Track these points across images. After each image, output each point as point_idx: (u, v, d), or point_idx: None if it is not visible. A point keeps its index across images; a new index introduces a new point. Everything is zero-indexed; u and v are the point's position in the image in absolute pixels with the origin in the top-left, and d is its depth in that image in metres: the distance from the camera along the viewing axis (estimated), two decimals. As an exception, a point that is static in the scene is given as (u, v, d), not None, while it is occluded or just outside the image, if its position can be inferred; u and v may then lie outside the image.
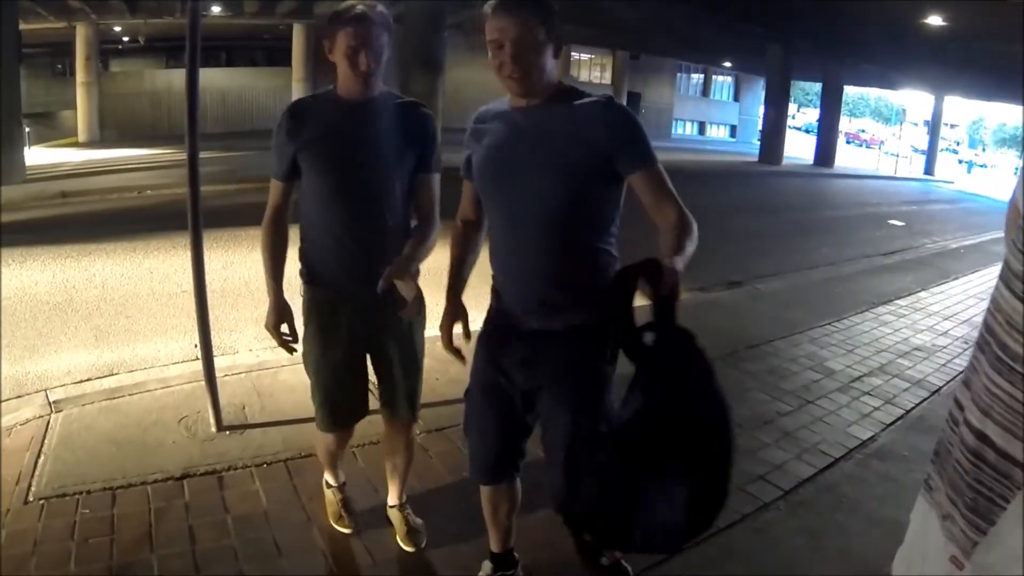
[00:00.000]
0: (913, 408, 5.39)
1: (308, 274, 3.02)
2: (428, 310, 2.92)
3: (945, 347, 6.97)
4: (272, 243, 3.04)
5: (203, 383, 4.33)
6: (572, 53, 44.96)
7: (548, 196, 2.37)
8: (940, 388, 5.82)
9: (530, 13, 2.35)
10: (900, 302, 8.70)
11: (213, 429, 4.23)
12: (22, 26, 17.52)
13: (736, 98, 57.67)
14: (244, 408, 4.55)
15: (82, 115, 31.75)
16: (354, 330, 3.01)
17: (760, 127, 39.87)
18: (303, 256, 3.02)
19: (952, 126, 79.57)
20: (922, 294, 9.28)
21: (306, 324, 3.11)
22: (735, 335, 6.66)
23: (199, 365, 4.46)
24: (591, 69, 48.12)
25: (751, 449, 4.39)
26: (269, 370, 5.11)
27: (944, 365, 6.43)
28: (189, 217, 4.15)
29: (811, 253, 11.77)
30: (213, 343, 4.42)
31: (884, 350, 6.72)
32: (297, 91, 34.82)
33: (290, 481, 3.79)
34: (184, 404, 4.56)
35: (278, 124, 2.89)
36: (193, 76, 4.04)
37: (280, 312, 3.10)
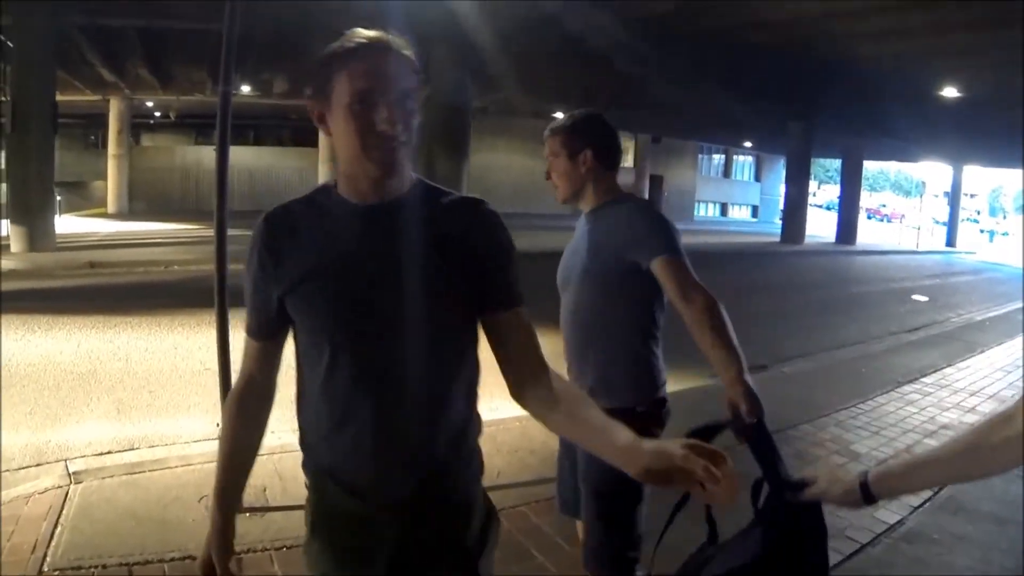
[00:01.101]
0: (941, 489, 5.30)
1: (315, 480, 1.95)
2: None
3: (971, 424, 6.87)
4: (234, 434, 1.98)
5: None
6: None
7: None
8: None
9: None
10: (926, 379, 8.62)
11: (234, 510, 4.25)
12: (58, 97, 18.09)
13: (757, 178, 57.89)
14: (265, 490, 4.59)
15: (112, 186, 32.55)
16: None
17: (781, 206, 40.08)
18: (306, 454, 1.95)
19: (972, 195, 79.60)
20: (948, 370, 9.21)
21: (313, 551, 2.00)
22: None
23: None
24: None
25: None
26: (291, 453, 5.12)
27: (972, 443, 6.32)
28: (216, 294, 4.24)
29: (836, 332, 11.79)
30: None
31: (910, 430, 6.68)
32: (323, 173, 35.56)
33: (309, 567, 3.79)
34: (205, 483, 4.59)
35: (250, 247, 1.77)
36: (224, 156, 4.18)
37: (222, 551, 1.95)
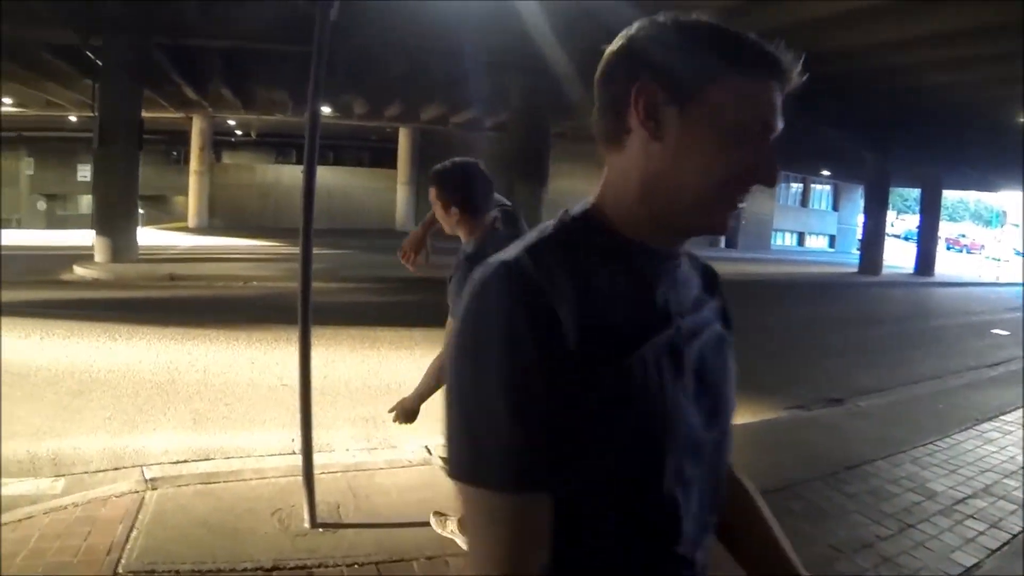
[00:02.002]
0: (1020, 532, 5.11)
1: None
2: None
3: None
4: None
5: (299, 478, 4.42)
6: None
7: None
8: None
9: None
10: (1006, 417, 8.27)
11: (306, 525, 4.29)
12: (144, 114, 18.70)
13: (835, 207, 57.04)
14: (339, 507, 4.61)
15: (193, 202, 33.52)
16: None
17: (859, 236, 39.29)
18: None
19: None
20: None
21: None
22: (835, 455, 6.49)
23: (295, 459, 4.58)
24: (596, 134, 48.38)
25: (848, 575, 4.26)
26: (365, 471, 5.19)
27: (1054, 483, 6.16)
28: (299, 312, 4.28)
29: (914, 366, 11.44)
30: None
31: (989, 470, 6.40)
32: (401, 194, 36.03)
33: (381, 585, 3.80)
34: (278, 497, 4.65)
35: (488, 320, 1.05)
36: (311, 175, 4.22)
37: None
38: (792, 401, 8.57)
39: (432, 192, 3.51)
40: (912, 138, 26.77)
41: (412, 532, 4.35)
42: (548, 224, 1.22)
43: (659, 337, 1.15)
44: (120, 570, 3.66)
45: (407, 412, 3.81)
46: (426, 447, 6.09)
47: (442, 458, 5.54)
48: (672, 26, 1.16)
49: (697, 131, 1.12)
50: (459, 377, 1.06)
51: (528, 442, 1.01)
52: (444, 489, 5.05)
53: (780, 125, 1.18)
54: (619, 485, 1.09)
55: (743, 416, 7.76)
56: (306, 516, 4.32)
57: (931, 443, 7.06)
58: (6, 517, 4.19)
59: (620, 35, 1.22)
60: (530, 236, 1.18)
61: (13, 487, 4.83)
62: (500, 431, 1.01)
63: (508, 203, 3.84)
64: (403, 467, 5.46)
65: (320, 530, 4.27)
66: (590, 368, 1.04)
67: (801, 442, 6.91)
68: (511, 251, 1.11)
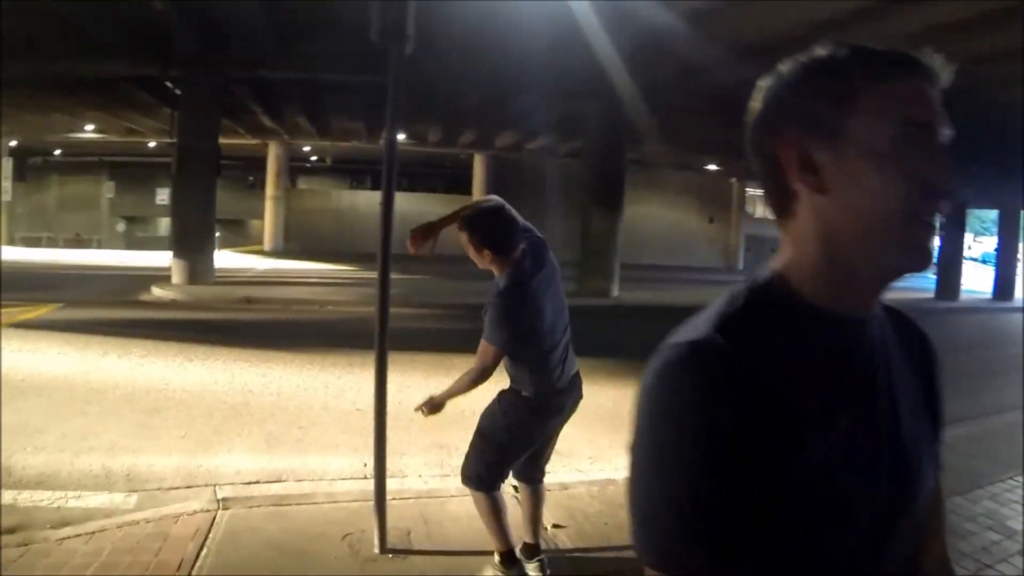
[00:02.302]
0: None
1: None
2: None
3: None
4: None
5: (370, 503, 4.39)
6: (747, 189, 44.94)
7: None
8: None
9: None
10: None
11: (376, 550, 4.25)
12: (221, 141, 19.15)
13: (909, 230, 55.78)
14: (409, 533, 4.56)
15: (269, 225, 34.14)
16: None
17: (935, 260, 38.31)
18: None
19: None
20: None
21: None
22: None
23: (366, 484, 4.57)
24: (766, 205, 47.79)
25: None
26: (437, 499, 5.14)
27: None
28: (376, 336, 4.26)
29: (994, 395, 10.98)
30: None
31: None
32: (475, 220, 36.27)
33: (449, 612, 3.73)
34: (349, 521, 4.62)
35: (679, 412, 0.98)
36: (388, 201, 4.21)
37: None
38: None
39: (463, 237, 3.86)
40: (990, 157, 26.11)
41: (480, 560, 4.28)
42: (736, 295, 1.12)
43: (858, 409, 1.06)
44: (191, 587, 3.67)
45: (433, 406, 3.98)
46: (499, 476, 6.04)
47: (513, 486, 5.49)
48: (793, 69, 1.09)
49: (859, 164, 1.02)
50: (657, 461, 1.00)
51: (734, 521, 0.95)
52: (513, 515, 5.00)
53: (943, 121, 1.09)
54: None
55: None
56: (376, 541, 4.27)
57: (1011, 478, 6.78)
58: (79, 529, 4.24)
59: (750, 103, 1.15)
60: (717, 309, 1.10)
61: (88, 500, 4.91)
62: (708, 513, 0.94)
63: (538, 234, 4.13)
64: (475, 495, 5.40)
65: (390, 556, 4.23)
66: (792, 444, 0.98)
67: None
68: (698, 328, 1.05)
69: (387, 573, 4.04)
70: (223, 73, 18.38)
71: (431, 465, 6.01)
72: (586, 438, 7.52)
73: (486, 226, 3.85)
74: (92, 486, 5.11)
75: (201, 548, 4.08)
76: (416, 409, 4.03)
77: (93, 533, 4.17)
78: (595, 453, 7.07)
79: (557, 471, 6.45)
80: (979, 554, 5.00)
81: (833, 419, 1.01)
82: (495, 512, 4.12)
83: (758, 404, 0.95)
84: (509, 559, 4.12)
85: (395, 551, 4.28)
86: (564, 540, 4.72)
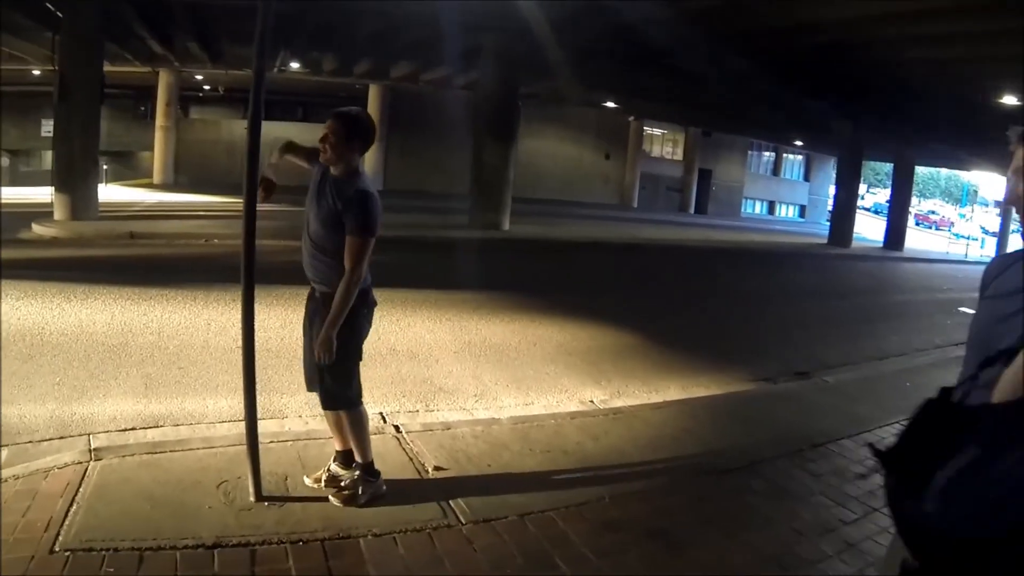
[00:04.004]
0: None
1: None
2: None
3: None
4: None
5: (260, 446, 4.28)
6: (645, 128, 45.41)
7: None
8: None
9: None
10: None
11: (252, 498, 4.15)
12: (108, 68, 18.29)
13: (807, 178, 57.63)
14: (287, 479, 4.47)
15: (159, 158, 32.93)
16: None
17: (830, 208, 39.53)
18: None
19: None
20: None
21: None
22: (800, 431, 6.43)
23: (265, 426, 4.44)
24: (664, 144, 48.53)
25: (811, 560, 4.18)
26: (317, 440, 5.03)
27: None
28: (243, 268, 4.10)
29: (881, 341, 11.47)
30: (261, 406, 4.36)
31: None
32: (371, 150, 35.79)
33: (325, 563, 3.67)
34: (226, 468, 4.50)
35: None
36: (255, 131, 4.03)
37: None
38: (759, 373, 8.56)
39: (332, 129, 4.10)
40: (888, 111, 26.76)
41: (359, 508, 4.23)
42: None
43: None
44: (57, 548, 3.50)
45: (327, 345, 4.03)
46: (381, 414, 5.99)
47: (395, 426, 5.46)
48: None
49: None
50: None
51: None
52: (395, 459, 4.96)
53: None
54: None
55: (710, 388, 7.77)
56: (251, 488, 4.17)
57: (898, 422, 6.82)
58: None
59: None
60: None
61: (-47, 459, 4.65)
62: None
63: None
64: (356, 436, 5.33)
65: (266, 504, 4.13)
66: None
67: (768, 417, 6.86)
68: None
69: (262, 523, 3.94)
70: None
71: (313, 404, 5.86)
72: (471, 374, 7.54)
73: (362, 125, 4.16)
74: (-45, 444, 4.85)
75: (71, 504, 3.90)
76: (318, 361, 4.10)
77: (-44, 495, 3.96)
78: (480, 390, 7.08)
79: (441, 409, 6.46)
80: (866, 498, 5.11)
81: None
82: (367, 423, 4.42)
83: None
84: (374, 469, 4.41)
85: (271, 498, 4.18)
86: (446, 485, 4.66)
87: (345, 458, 4.49)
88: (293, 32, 22.38)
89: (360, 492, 4.28)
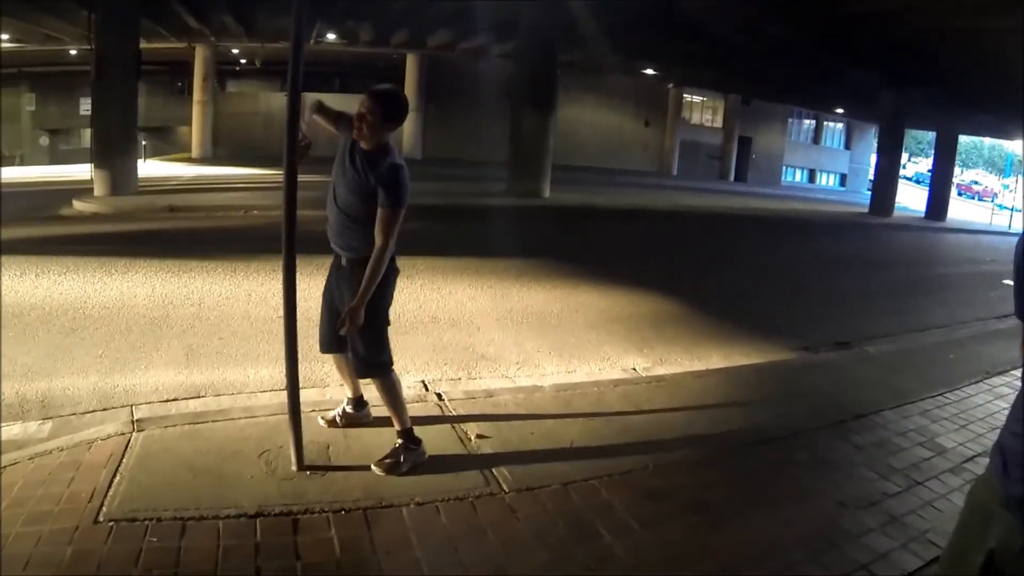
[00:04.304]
0: None
1: None
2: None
3: None
4: None
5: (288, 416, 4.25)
6: (684, 96, 44.88)
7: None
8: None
9: None
10: (1016, 372, 8.01)
11: (294, 467, 4.12)
12: (144, 45, 18.34)
13: (847, 146, 56.58)
14: (328, 448, 4.44)
15: (196, 132, 33.11)
16: None
17: (871, 176, 38.86)
18: None
19: None
20: None
21: None
22: (842, 402, 6.33)
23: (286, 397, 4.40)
24: (703, 112, 47.98)
25: (854, 533, 4.10)
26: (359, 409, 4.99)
27: (1064, 444, 5.96)
28: (284, 240, 4.05)
29: (923, 314, 11.22)
30: (302, 375, 4.32)
31: (999, 427, 6.20)
32: (409, 120, 35.71)
33: (367, 532, 3.64)
34: (267, 437, 4.48)
35: None
36: (295, 103, 3.97)
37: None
38: (800, 342, 8.42)
39: (368, 108, 4.11)
40: (931, 80, 26.16)
41: (400, 477, 4.19)
42: None
43: None
44: (101, 518, 3.50)
45: (355, 316, 4.08)
46: (423, 382, 5.95)
47: (437, 394, 5.42)
48: None
49: None
50: None
51: None
52: (437, 427, 4.92)
53: None
54: None
55: (751, 356, 7.67)
56: (293, 458, 4.15)
57: (940, 395, 6.88)
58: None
59: None
60: None
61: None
62: None
63: None
64: (398, 404, 5.29)
65: (308, 473, 4.11)
66: None
67: (809, 387, 6.75)
68: None
69: (304, 491, 3.91)
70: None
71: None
72: (513, 342, 7.48)
73: (398, 104, 4.21)
74: (6, 416, 4.84)
75: (114, 475, 3.90)
76: (339, 330, 4.16)
77: (4, 468, 3.95)
78: (522, 358, 7.02)
79: (483, 376, 6.41)
80: (910, 470, 5.04)
81: None
82: (400, 389, 4.49)
83: None
84: (414, 436, 4.42)
85: (313, 468, 4.16)
86: (489, 453, 4.62)
87: (357, 404, 4.80)
88: (329, 2, 22.31)
89: (402, 460, 4.26)
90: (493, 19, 22.63)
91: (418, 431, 4.45)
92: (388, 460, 4.25)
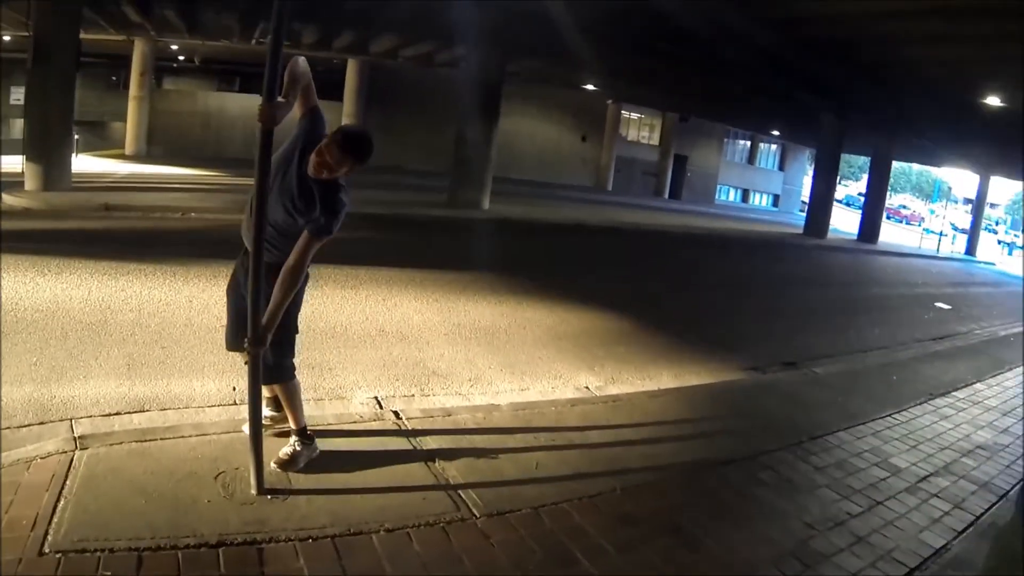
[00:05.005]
0: (983, 514, 5.19)
1: None
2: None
3: (1007, 446, 6.84)
4: None
5: (242, 434, 4.15)
6: (622, 112, 45.16)
7: None
8: (1007, 492, 5.66)
9: None
10: (957, 394, 8.54)
11: (253, 491, 3.89)
12: (82, 35, 17.66)
13: (781, 167, 57.63)
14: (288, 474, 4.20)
15: (131, 128, 32.21)
16: None
17: (807, 198, 39.72)
18: None
19: (993, 205, 78.01)
20: (978, 385, 9.14)
21: None
22: (798, 423, 6.53)
23: (236, 411, 4.46)
24: (640, 128, 48.34)
25: (825, 553, 4.22)
26: (313, 427, 4.74)
27: (1008, 466, 6.28)
28: (252, 246, 3.81)
29: (862, 333, 11.64)
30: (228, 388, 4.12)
31: (947, 447, 6.56)
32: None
33: (339, 561, 3.44)
34: (221, 457, 4.23)
35: None
36: (271, 104, 3.75)
37: None
38: (746, 362, 8.57)
39: (332, 151, 3.96)
40: (872, 106, 26.80)
41: (368, 499, 4.02)
42: None
43: None
44: (47, 548, 3.22)
45: (259, 342, 3.92)
46: (376, 398, 5.77)
47: (394, 412, 5.23)
48: None
49: None
50: None
51: None
52: (395, 446, 4.74)
53: None
54: None
55: (701, 375, 7.78)
56: (253, 481, 3.91)
57: (889, 416, 7.18)
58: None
59: None
60: None
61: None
62: None
63: None
64: (354, 423, 5.09)
65: (268, 497, 3.88)
66: None
67: (763, 408, 6.90)
68: None
69: (267, 518, 3.68)
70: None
71: (304, 388, 5.58)
72: (464, 357, 7.34)
73: (366, 147, 4.06)
74: (-71, 426, 4.52)
75: (58, 499, 3.61)
76: (245, 361, 4.00)
77: (-71, 485, 3.65)
78: (474, 374, 6.91)
79: (437, 393, 6.24)
80: (869, 491, 5.23)
81: None
82: (300, 392, 4.49)
83: None
84: (308, 434, 4.44)
85: (273, 491, 3.94)
86: (455, 475, 4.46)
87: (276, 405, 4.70)
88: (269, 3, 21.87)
89: (300, 457, 4.31)
90: (437, 26, 22.49)
91: (378, 450, 4.45)
92: (284, 458, 4.29)
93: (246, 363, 3.95)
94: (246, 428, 4.07)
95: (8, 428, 4.62)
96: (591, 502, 4.38)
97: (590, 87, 36.21)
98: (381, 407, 5.58)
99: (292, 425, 4.39)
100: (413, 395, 6.14)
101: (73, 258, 9.05)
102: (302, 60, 4.14)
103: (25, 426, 4.68)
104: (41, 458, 4.01)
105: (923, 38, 17.91)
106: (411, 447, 4.80)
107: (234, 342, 4.41)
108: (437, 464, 4.57)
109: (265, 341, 3.90)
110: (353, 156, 3.97)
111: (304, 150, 4.06)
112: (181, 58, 39.43)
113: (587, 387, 6.90)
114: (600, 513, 4.28)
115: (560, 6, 17.35)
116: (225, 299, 4.52)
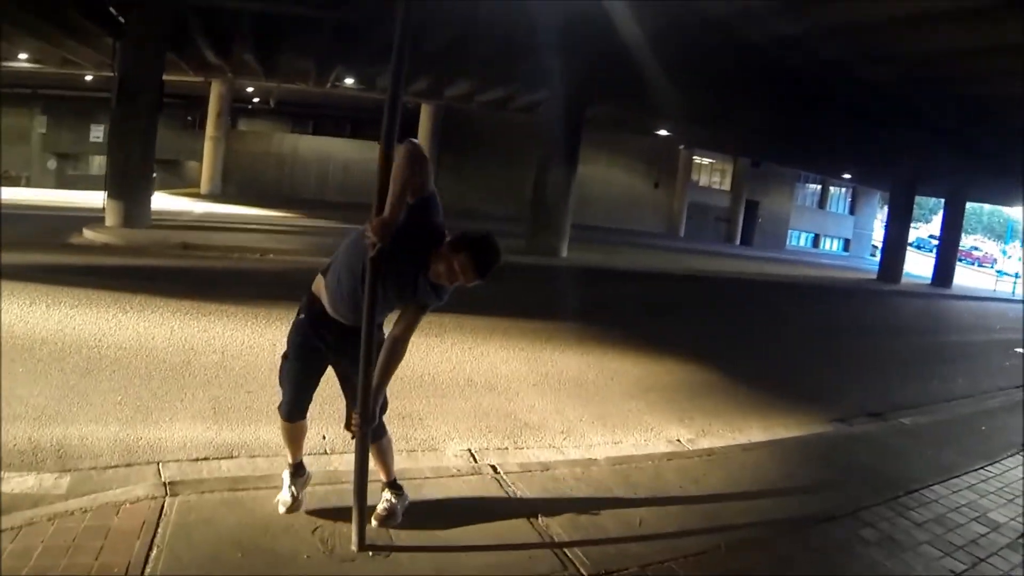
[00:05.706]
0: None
1: None
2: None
3: None
4: None
5: (336, 486, 4.11)
6: (694, 157, 45.06)
7: None
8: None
9: None
10: None
11: (354, 547, 3.71)
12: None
13: (852, 211, 56.99)
14: (389, 530, 4.02)
15: (207, 167, 33.11)
16: None
17: (877, 241, 38.92)
18: None
19: None
20: None
21: None
22: (891, 478, 6.25)
23: (327, 460, 4.47)
24: (711, 174, 48.19)
25: None
26: (411, 480, 4.53)
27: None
28: (367, 294, 3.67)
29: (946, 382, 11.24)
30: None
31: None
32: (424, 169, 36.13)
33: (446, 628, 3.22)
34: (317, 509, 4.08)
35: None
36: (388, 154, 3.68)
37: None
38: (831, 413, 8.32)
39: (453, 259, 3.65)
40: (945, 146, 26.31)
41: (473, 557, 3.84)
42: None
43: None
44: (141, 600, 3.09)
45: (367, 419, 3.82)
46: (470, 451, 5.59)
47: (492, 466, 5.05)
48: None
49: None
50: None
51: None
52: (499, 501, 4.58)
53: None
54: None
55: (789, 427, 7.58)
56: (354, 537, 3.74)
57: (982, 468, 6.90)
58: (5, 521, 3.62)
59: None
60: None
61: (13, 482, 4.24)
62: None
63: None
64: (451, 476, 4.90)
65: (370, 554, 3.71)
66: None
67: (855, 462, 6.69)
68: None
69: (370, 575, 3.51)
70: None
71: (396, 439, 5.39)
72: (554, 409, 7.17)
73: (493, 259, 3.72)
74: (18, 464, 4.45)
75: (150, 548, 3.49)
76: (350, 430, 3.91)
77: (21, 527, 3.55)
78: (566, 427, 6.73)
79: (530, 447, 6.04)
80: (971, 547, 5.00)
81: None
82: (392, 446, 4.32)
83: None
84: (398, 484, 4.28)
85: (375, 548, 3.76)
86: (559, 532, 4.25)
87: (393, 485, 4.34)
88: (352, 48, 22.29)
89: (397, 511, 4.16)
90: (514, 71, 22.61)
91: (478, 505, 4.33)
92: (383, 513, 4.12)
93: (353, 438, 3.84)
94: (348, 480, 3.89)
95: (94, 468, 4.55)
96: (696, 560, 4.21)
97: (663, 132, 36.15)
98: (476, 460, 5.41)
99: (383, 478, 4.21)
100: (507, 447, 5.97)
101: (154, 296, 9.12)
102: (419, 145, 3.95)
103: (111, 467, 4.61)
104: (131, 503, 3.91)
105: (993, 73, 17.56)
106: (512, 502, 4.62)
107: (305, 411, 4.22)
108: (540, 520, 4.38)
109: (376, 419, 3.85)
110: (481, 275, 3.68)
111: (413, 237, 3.70)
112: (256, 100, 40.37)
113: (679, 440, 6.73)
114: (706, 571, 4.14)
115: (639, 49, 17.33)
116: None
